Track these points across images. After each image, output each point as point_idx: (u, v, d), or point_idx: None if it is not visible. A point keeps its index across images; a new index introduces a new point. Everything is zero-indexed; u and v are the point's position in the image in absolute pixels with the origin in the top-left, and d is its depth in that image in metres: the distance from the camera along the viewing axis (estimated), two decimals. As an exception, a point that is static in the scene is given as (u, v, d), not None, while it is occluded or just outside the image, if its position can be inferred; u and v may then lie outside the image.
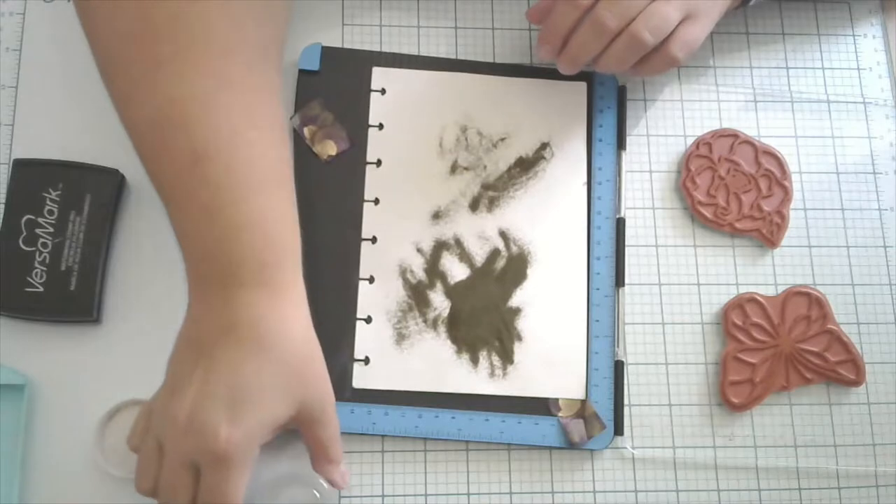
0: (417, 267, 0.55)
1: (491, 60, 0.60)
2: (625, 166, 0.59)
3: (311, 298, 0.47)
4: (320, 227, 0.54)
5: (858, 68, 0.63)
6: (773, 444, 0.55)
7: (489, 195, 0.56)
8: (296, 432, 0.48)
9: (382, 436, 0.54)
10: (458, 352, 0.54)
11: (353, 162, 0.56)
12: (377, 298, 0.54)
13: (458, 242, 0.55)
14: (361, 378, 0.53)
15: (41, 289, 0.53)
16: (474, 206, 0.56)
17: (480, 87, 0.58)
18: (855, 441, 0.56)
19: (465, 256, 0.55)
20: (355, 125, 0.57)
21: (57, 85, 0.58)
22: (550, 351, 0.54)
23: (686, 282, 0.58)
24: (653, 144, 0.60)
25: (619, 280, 0.56)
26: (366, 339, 0.54)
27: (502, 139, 0.57)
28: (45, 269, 0.53)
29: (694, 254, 0.58)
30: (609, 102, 0.59)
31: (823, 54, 0.63)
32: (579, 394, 0.54)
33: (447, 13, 0.61)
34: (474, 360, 0.54)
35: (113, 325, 0.54)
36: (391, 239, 0.55)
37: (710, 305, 0.57)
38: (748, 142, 0.60)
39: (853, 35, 0.64)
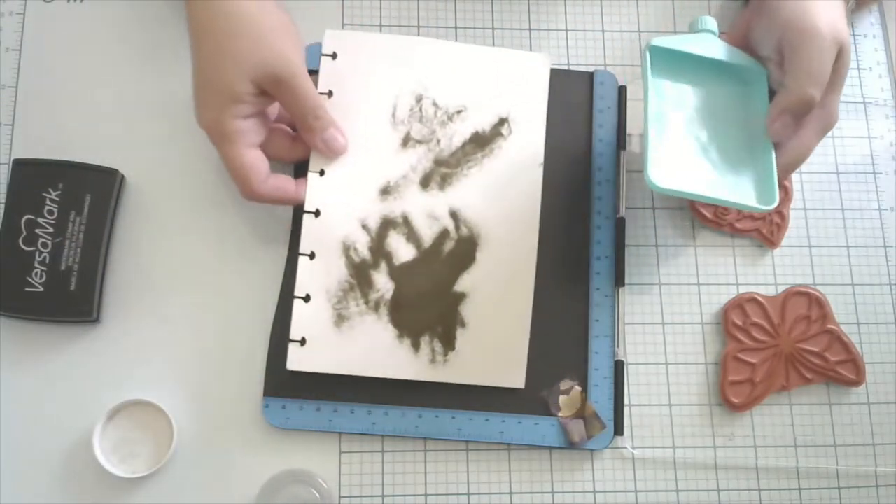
0: (362, 245, 0.52)
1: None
2: (625, 166, 0.58)
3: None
4: None
5: (858, 68, 0.63)
6: (773, 444, 0.55)
7: (442, 171, 0.53)
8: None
9: (382, 436, 0.54)
10: (400, 336, 0.52)
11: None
12: (317, 276, 0.52)
13: (407, 221, 0.53)
14: (296, 360, 0.51)
15: (41, 289, 0.53)
16: (425, 182, 0.53)
17: (438, 54, 0.55)
18: (855, 441, 0.56)
19: (412, 236, 0.53)
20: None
21: (57, 85, 0.58)
22: (493, 339, 0.52)
23: (686, 282, 0.58)
24: (653, 144, 0.60)
25: (619, 280, 0.56)
26: (303, 319, 0.51)
27: (458, 112, 0.54)
28: (45, 269, 0.53)
29: (694, 254, 0.58)
30: (609, 102, 0.59)
31: (823, 54, 0.63)
32: (518, 383, 0.52)
33: (447, 13, 0.61)
34: (416, 346, 0.52)
35: (113, 325, 0.54)
36: (336, 213, 0.52)
37: (710, 305, 0.57)
38: (748, 142, 0.60)
39: (853, 35, 0.64)
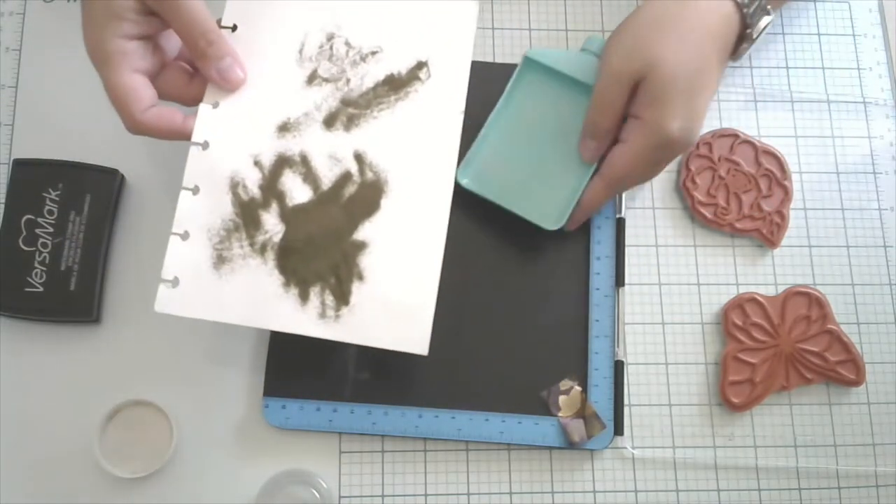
0: (252, 182, 0.48)
1: (491, 60, 0.60)
2: (625, 166, 0.59)
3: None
4: None
5: (858, 68, 0.63)
6: (773, 444, 0.55)
7: (349, 112, 0.49)
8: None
9: (382, 436, 0.54)
10: (286, 285, 0.47)
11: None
12: (199, 213, 0.47)
13: (305, 160, 0.48)
14: (166, 302, 0.46)
15: (41, 289, 0.53)
16: (329, 121, 0.49)
17: None
18: (855, 441, 0.56)
19: (310, 177, 0.48)
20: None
21: (57, 85, 0.58)
22: (394, 297, 0.47)
23: (686, 282, 0.58)
24: (653, 144, 0.60)
25: (619, 280, 0.56)
26: (178, 258, 0.47)
27: (373, 53, 0.50)
28: (45, 269, 0.53)
29: (694, 254, 0.58)
30: (609, 102, 0.59)
31: (823, 54, 0.63)
32: (421, 348, 0.47)
33: (447, 13, 0.61)
34: (304, 297, 0.47)
35: (113, 325, 0.54)
36: (225, 147, 0.48)
37: (710, 305, 0.57)
38: (748, 142, 0.60)
39: (853, 35, 0.64)
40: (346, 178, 0.48)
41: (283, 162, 0.48)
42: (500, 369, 0.55)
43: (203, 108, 0.48)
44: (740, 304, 0.57)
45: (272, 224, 0.48)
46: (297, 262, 0.47)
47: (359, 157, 0.49)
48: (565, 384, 0.55)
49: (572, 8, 0.62)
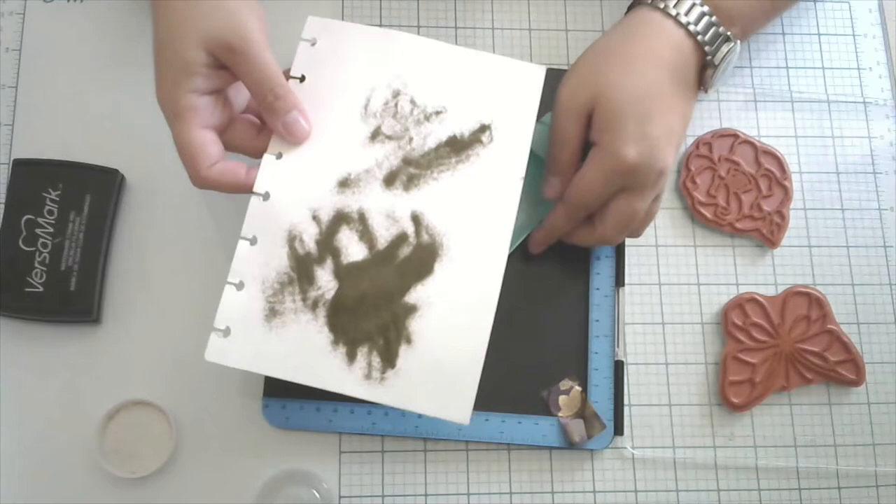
0: (309, 237, 0.48)
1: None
2: (625, 166, 0.59)
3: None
4: None
5: (858, 68, 0.63)
6: (773, 444, 0.55)
7: (409, 171, 0.49)
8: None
9: (382, 436, 0.54)
10: (335, 343, 0.46)
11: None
12: (255, 263, 0.47)
13: (362, 218, 0.48)
14: (216, 352, 0.46)
15: (41, 289, 0.53)
16: (390, 180, 0.48)
17: (424, 52, 0.51)
18: (855, 441, 0.56)
19: (366, 235, 0.48)
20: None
21: (57, 85, 0.58)
22: (440, 363, 0.46)
23: (686, 282, 0.58)
24: (653, 144, 0.60)
25: (619, 280, 0.56)
26: (231, 308, 0.46)
27: (437, 113, 0.50)
28: (45, 269, 0.53)
29: (694, 254, 0.58)
30: (609, 102, 0.59)
31: (823, 54, 0.63)
32: (462, 418, 0.46)
33: (447, 13, 0.61)
34: (351, 356, 0.46)
35: (113, 325, 0.54)
36: (286, 199, 0.48)
37: (710, 305, 0.57)
38: (748, 142, 0.60)
39: (853, 35, 0.64)
40: (401, 238, 0.48)
41: (340, 218, 0.48)
42: (499, 369, 0.55)
43: (267, 158, 0.48)
44: (740, 304, 0.57)
45: (325, 280, 0.47)
46: (347, 321, 0.47)
47: (416, 219, 0.48)
48: (565, 384, 0.55)
49: (572, 8, 0.62)
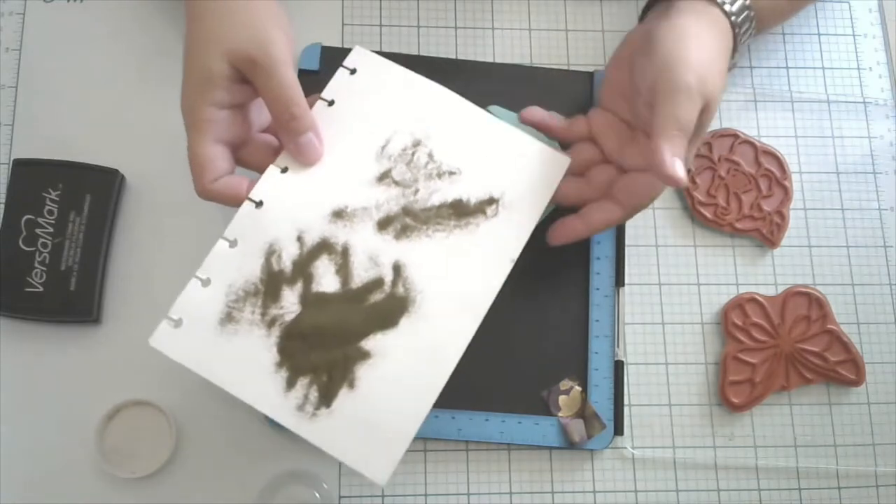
0: (288, 255, 0.47)
1: (491, 60, 0.60)
2: (625, 166, 0.59)
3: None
4: None
5: (858, 68, 0.63)
6: (773, 444, 0.55)
7: (406, 221, 0.48)
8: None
9: (382, 436, 0.54)
10: (279, 365, 0.45)
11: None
12: (228, 265, 0.46)
13: (345, 252, 0.47)
14: (164, 339, 0.45)
15: (41, 289, 0.53)
16: (383, 224, 0.48)
17: (457, 111, 0.51)
18: (855, 441, 0.56)
19: (343, 270, 0.47)
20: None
21: (57, 85, 0.58)
22: (375, 418, 0.45)
23: (686, 282, 0.58)
24: (653, 144, 0.60)
25: (619, 280, 0.56)
26: (190, 301, 0.46)
27: (451, 173, 0.49)
28: (45, 269, 0.53)
29: (694, 254, 0.58)
30: (609, 102, 0.59)
31: (823, 54, 0.63)
32: (380, 479, 0.44)
33: (447, 13, 0.61)
34: (290, 384, 0.45)
35: (113, 325, 0.54)
36: (277, 213, 0.47)
37: (710, 305, 0.57)
38: (748, 142, 0.60)
39: (853, 35, 0.64)
40: (377, 283, 0.47)
41: (324, 246, 0.47)
42: (500, 369, 0.55)
43: (271, 169, 0.48)
44: (740, 304, 0.57)
45: (290, 302, 0.46)
46: (297, 348, 0.46)
47: (397, 269, 0.47)
48: (565, 384, 0.55)
49: (572, 8, 0.62)
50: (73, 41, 0.59)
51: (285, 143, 0.48)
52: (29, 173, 0.54)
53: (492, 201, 0.49)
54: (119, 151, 0.56)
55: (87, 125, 0.57)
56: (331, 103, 0.50)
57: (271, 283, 0.47)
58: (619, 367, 0.55)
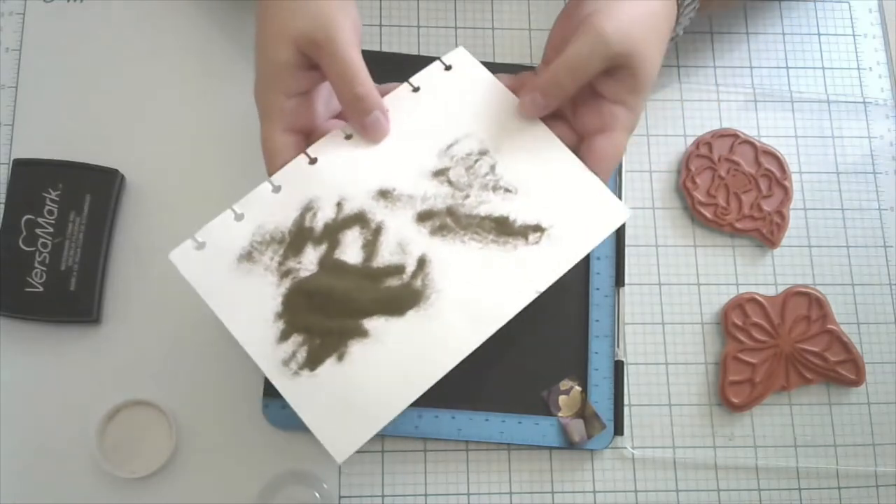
0: (322, 217, 0.47)
1: (491, 60, 0.60)
2: (625, 166, 0.59)
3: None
4: None
5: (858, 68, 0.63)
6: (773, 444, 0.55)
7: (446, 221, 0.48)
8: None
9: (382, 436, 0.54)
10: (279, 316, 0.46)
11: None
12: (264, 208, 0.47)
13: (377, 231, 0.48)
14: (181, 256, 0.46)
15: (41, 289, 0.53)
16: (423, 217, 0.48)
17: (533, 134, 0.50)
18: (855, 441, 0.56)
19: (370, 247, 0.47)
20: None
21: (57, 85, 0.58)
22: (353, 396, 0.45)
23: (686, 282, 0.58)
24: (653, 144, 0.60)
25: (619, 280, 0.56)
26: (219, 230, 0.46)
27: (507, 190, 0.49)
28: (45, 269, 0.53)
29: (694, 254, 0.58)
30: (609, 102, 0.59)
31: (823, 54, 0.63)
32: (339, 456, 0.44)
33: (447, 13, 0.61)
34: (284, 336, 0.45)
35: (113, 325, 0.54)
36: (327, 174, 0.48)
37: (710, 305, 0.57)
38: (748, 142, 0.60)
39: (853, 35, 0.64)
40: (398, 269, 0.47)
41: (359, 218, 0.48)
42: (499, 369, 0.55)
43: (336, 133, 0.48)
44: (740, 304, 0.57)
45: (309, 261, 0.47)
46: (301, 305, 0.46)
47: (421, 262, 0.47)
48: (565, 384, 0.55)
49: (572, 8, 0.62)
50: (73, 41, 0.59)
51: (352, 121, 0.48)
52: (29, 173, 0.54)
53: (538, 229, 0.48)
54: (119, 151, 0.56)
55: (87, 125, 0.57)
56: (416, 89, 0.50)
57: (298, 237, 0.47)
58: (619, 367, 0.55)
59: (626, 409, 0.55)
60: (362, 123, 0.47)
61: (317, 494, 0.52)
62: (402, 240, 0.48)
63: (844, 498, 0.55)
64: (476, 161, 0.49)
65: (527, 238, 0.48)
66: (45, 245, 0.53)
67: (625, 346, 0.56)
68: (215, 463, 0.52)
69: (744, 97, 0.61)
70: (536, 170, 0.49)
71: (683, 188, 0.58)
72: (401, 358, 0.46)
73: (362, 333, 0.46)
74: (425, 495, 0.53)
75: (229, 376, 0.54)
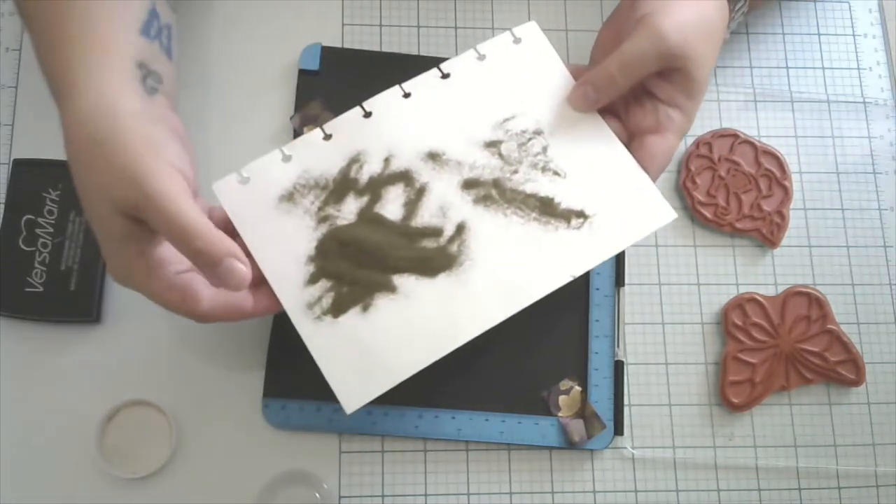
0: (369, 169, 0.48)
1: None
2: (625, 166, 0.59)
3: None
4: None
5: (858, 68, 0.63)
6: (773, 444, 0.55)
7: (490, 192, 0.48)
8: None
9: (382, 436, 0.54)
10: (310, 260, 0.46)
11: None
12: (312, 153, 0.48)
13: (421, 191, 0.48)
14: (224, 187, 0.46)
15: (41, 289, 0.53)
16: (469, 185, 0.48)
17: (589, 123, 0.50)
18: (855, 441, 0.56)
19: (410, 206, 0.47)
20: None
21: (57, 85, 0.58)
22: (372, 349, 0.45)
23: (686, 282, 0.58)
24: (653, 144, 0.60)
25: (619, 280, 0.56)
26: (265, 168, 0.47)
27: (556, 173, 0.49)
28: (45, 269, 0.53)
29: (694, 254, 0.58)
30: (609, 102, 0.59)
31: (823, 54, 0.63)
32: (349, 406, 0.44)
33: (447, 13, 0.61)
34: (313, 280, 0.46)
35: (113, 325, 0.54)
36: (378, 129, 0.48)
37: (710, 305, 0.57)
38: (748, 142, 0.60)
39: (853, 35, 0.64)
40: (435, 232, 0.47)
41: (404, 176, 0.48)
42: (499, 369, 0.55)
43: (395, 89, 0.49)
44: (740, 304, 0.57)
45: (348, 210, 0.47)
46: (334, 251, 0.46)
47: (460, 228, 0.47)
48: (565, 384, 0.55)
49: (572, 8, 0.62)
50: (73, 41, 0.59)
51: (207, 278, 0.41)
52: (29, 173, 0.54)
53: (581, 215, 0.48)
54: (119, 151, 0.56)
55: (87, 125, 0.57)
56: (481, 57, 0.50)
57: (341, 186, 0.48)
58: (619, 367, 0.55)
59: (626, 409, 0.55)
60: (216, 276, 0.40)
61: (317, 494, 0.52)
62: (445, 204, 0.48)
63: (844, 498, 0.55)
64: (529, 140, 0.49)
65: (569, 222, 0.48)
66: (45, 245, 0.53)
67: (625, 346, 0.56)
68: (215, 463, 0.52)
69: (744, 97, 0.61)
70: (587, 158, 0.49)
71: (683, 188, 0.58)
72: (425, 319, 0.46)
73: (390, 288, 0.46)
74: (425, 495, 0.53)
75: (229, 376, 0.54)
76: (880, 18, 0.64)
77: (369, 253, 0.47)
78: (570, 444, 0.53)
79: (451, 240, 0.47)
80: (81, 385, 0.53)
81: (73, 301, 0.53)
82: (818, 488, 0.55)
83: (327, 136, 0.48)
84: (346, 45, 0.60)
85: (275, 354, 0.53)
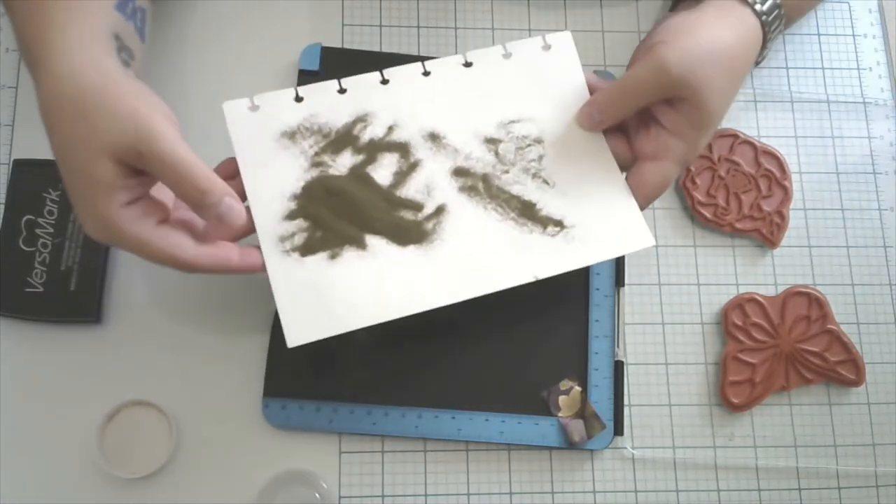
0: (370, 132, 0.49)
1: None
2: (625, 166, 0.59)
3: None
4: None
5: (858, 68, 0.63)
6: (773, 444, 0.55)
7: (477, 185, 0.49)
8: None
9: (382, 436, 0.54)
10: (295, 197, 0.48)
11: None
12: (324, 102, 0.49)
13: (413, 166, 0.49)
14: (233, 110, 0.48)
15: (41, 289, 0.53)
16: (458, 173, 0.49)
17: (590, 141, 0.51)
18: (855, 441, 0.56)
19: (400, 176, 0.49)
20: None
21: (57, 85, 0.58)
22: (332, 293, 0.46)
23: (686, 282, 0.58)
24: (653, 144, 0.60)
25: (619, 280, 0.56)
26: (277, 103, 0.49)
27: (545, 182, 0.50)
28: (45, 269, 0.53)
29: (694, 254, 0.58)
30: (609, 102, 0.59)
31: (823, 54, 0.63)
32: (291, 340, 0.45)
33: (447, 13, 0.61)
34: (291, 217, 0.47)
35: (113, 325, 0.54)
36: (394, 100, 0.50)
37: (710, 305, 0.57)
38: (748, 142, 0.60)
39: (853, 35, 0.64)
40: (416, 206, 0.49)
41: (402, 147, 0.50)
42: (499, 369, 0.55)
43: (416, 66, 0.51)
44: (740, 304, 0.57)
45: (342, 163, 0.49)
46: (318, 196, 0.48)
47: (440, 210, 0.49)
48: (565, 384, 0.55)
49: (572, 9, 0.62)
50: (74, 41, 0.59)
51: (205, 218, 0.43)
52: (29, 173, 0.54)
53: (559, 224, 0.49)
54: (119, 151, 0.56)
55: (87, 125, 0.57)
56: (507, 55, 0.51)
57: (342, 139, 0.49)
58: (619, 367, 0.55)
59: (626, 410, 0.55)
60: (217, 216, 0.42)
61: (317, 494, 0.52)
62: (432, 184, 0.49)
63: (844, 498, 0.55)
64: (528, 146, 0.50)
65: (545, 227, 0.49)
66: (45, 245, 0.53)
67: (625, 346, 0.56)
68: (215, 463, 0.52)
69: (744, 97, 0.61)
70: (579, 174, 0.50)
71: (683, 188, 0.58)
72: (385, 280, 0.47)
73: (361, 245, 0.48)
74: (425, 495, 0.53)
75: (229, 376, 0.54)
76: (880, 18, 0.64)
77: (351, 207, 0.48)
78: (570, 445, 0.53)
79: (429, 218, 0.49)
80: (81, 385, 0.53)
81: (73, 301, 0.53)
82: (818, 488, 0.55)
83: (342, 90, 0.50)
84: (346, 46, 0.60)
85: (275, 354, 0.53)
